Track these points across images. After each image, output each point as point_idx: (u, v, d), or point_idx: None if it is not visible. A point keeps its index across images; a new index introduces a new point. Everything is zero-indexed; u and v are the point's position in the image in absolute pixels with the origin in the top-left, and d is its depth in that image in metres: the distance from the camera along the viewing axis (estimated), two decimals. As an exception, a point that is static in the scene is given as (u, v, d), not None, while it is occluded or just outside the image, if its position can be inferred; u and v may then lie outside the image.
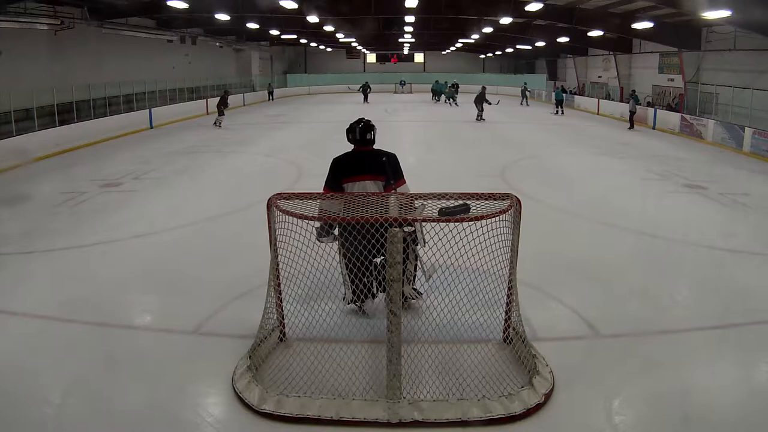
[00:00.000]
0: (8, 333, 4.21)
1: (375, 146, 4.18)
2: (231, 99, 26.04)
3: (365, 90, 30.36)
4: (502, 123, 19.26)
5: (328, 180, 4.02)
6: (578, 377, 3.51)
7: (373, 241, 3.18)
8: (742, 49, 15.55)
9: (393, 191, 3.88)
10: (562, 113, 23.20)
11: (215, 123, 18.22)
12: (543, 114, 23.47)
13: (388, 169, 3.98)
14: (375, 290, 4.07)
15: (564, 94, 24.86)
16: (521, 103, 27.61)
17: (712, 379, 3.61)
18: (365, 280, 3.82)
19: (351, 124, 4.11)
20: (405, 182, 4.10)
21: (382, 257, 3.50)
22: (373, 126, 4.11)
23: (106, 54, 18.12)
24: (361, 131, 4.04)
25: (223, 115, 18.34)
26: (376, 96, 31.88)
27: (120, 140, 15.47)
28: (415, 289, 4.27)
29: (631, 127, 17.82)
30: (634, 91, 19.80)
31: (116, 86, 17.53)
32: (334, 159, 4.10)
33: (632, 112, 17.98)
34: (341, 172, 4.01)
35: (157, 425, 3.13)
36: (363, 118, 4.18)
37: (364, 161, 4.01)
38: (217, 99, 18.92)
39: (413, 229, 3.71)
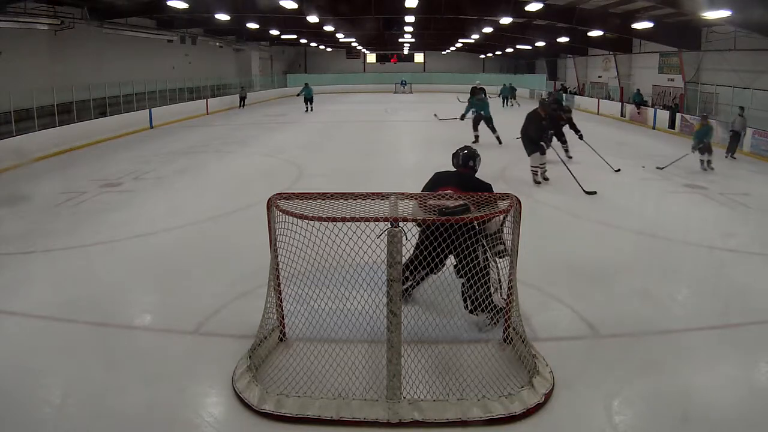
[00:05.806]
0: (8, 333, 4.22)
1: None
2: (225, 100, 25.81)
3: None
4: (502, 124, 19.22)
5: (424, 186, 4.40)
6: (578, 377, 3.51)
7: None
8: (742, 49, 15.53)
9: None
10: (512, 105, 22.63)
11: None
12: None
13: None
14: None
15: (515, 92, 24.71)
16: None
17: (712, 379, 3.61)
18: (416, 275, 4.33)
19: (456, 150, 4.52)
20: None
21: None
22: (477, 155, 4.50)
23: (106, 54, 18.10)
24: (462, 158, 4.46)
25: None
26: (374, 96, 31.73)
27: (120, 140, 15.45)
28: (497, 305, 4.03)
29: (732, 154, 12.22)
30: (742, 108, 12.85)
31: (116, 86, 17.51)
32: (435, 173, 4.47)
33: (737, 132, 12.26)
34: (435, 183, 4.34)
35: (157, 425, 3.13)
36: (469, 147, 4.59)
37: (455, 178, 4.34)
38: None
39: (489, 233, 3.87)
